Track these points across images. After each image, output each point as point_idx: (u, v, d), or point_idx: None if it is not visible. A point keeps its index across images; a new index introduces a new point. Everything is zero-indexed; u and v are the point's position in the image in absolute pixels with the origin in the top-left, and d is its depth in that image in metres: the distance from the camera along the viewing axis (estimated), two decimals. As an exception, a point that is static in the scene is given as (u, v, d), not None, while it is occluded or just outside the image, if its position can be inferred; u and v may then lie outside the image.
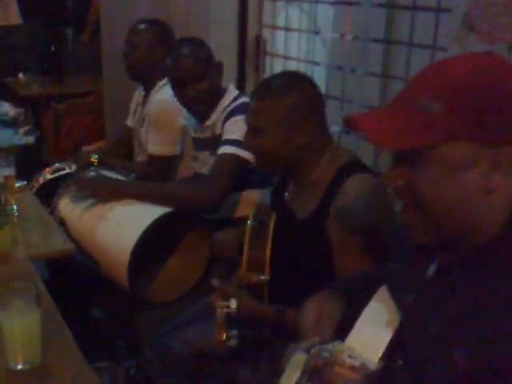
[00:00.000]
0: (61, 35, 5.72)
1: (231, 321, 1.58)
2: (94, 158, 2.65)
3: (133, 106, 2.87)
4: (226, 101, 2.25)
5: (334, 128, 2.45)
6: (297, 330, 1.26)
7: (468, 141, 0.92)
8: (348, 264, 1.59)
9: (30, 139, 4.11)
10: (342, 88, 2.45)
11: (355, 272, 1.51)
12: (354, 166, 1.66)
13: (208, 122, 2.28)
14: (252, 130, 1.68)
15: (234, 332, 1.57)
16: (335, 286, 1.38)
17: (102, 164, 2.62)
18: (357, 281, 1.41)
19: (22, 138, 4.10)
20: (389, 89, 2.26)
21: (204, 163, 2.36)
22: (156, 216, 1.99)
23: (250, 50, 2.91)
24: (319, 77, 2.52)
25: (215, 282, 1.69)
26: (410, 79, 1.03)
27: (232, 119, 2.16)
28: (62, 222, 2.22)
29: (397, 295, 1.15)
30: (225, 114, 2.21)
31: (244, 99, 2.21)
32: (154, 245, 2.06)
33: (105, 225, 2.11)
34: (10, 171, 2.20)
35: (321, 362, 1.05)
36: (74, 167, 2.62)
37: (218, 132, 2.24)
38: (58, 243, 1.98)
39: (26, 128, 4.17)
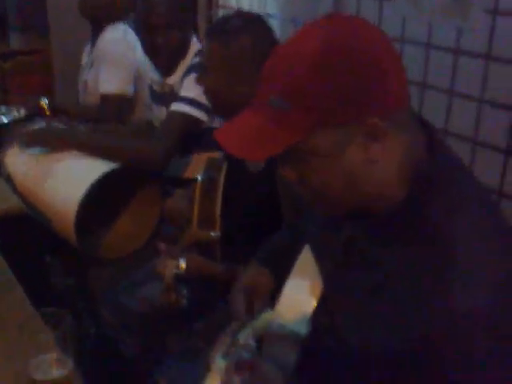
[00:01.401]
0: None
1: (180, 281, 1.57)
2: (44, 102, 2.57)
3: (84, 58, 2.78)
4: (188, 58, 2.17)
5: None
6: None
7: (331, 127, 0.88)
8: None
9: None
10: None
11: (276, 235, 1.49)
12: None
13: (170, 80, 2.21)
14: (203, 67, 1.68)
15: (184, 292, 1.58)
16: (260, 257, 1.36)
17: (52, 108, 2.55)
18: (281, 246, 1.40)
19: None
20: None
21: (160, 118, 2.30)
22: (102, 172, 1.93)
23: (202, 3, 2.88)
24: (273, 28, 2.50)
25: (161, 246, 1.69)
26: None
27: (190, 76, 2.06)
28: (8, 178, 2.16)
29: (317, 258, 1.15)
30: (185, 70, 2.14)
31: None
32: (103, 202, 2.02)
33: (51, 181, 2.04)
34: None
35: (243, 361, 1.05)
36: (22, 111, 2.57)
37: (177, 90, 2.15)
38: (3, 201, 1.93)
39: (-27, 88, 4.07)
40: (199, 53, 2.15)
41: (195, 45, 2.20)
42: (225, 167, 1.70)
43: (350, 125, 0.88)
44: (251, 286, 1.27)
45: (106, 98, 2.48)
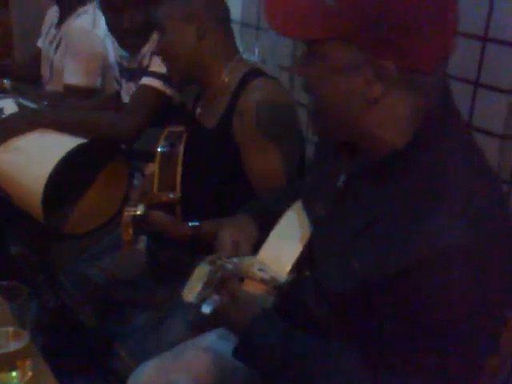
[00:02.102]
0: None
1: (138, 225, 1.58)
2: (6, 84, 2.52)
3: (46, 27, 2.72)
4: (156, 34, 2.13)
5: (251, 56, 2.46)
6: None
7: (354, 44, 0.92)
8: (258, 164, 1.61)
9: None
10: (258, 15, 2.42)
11: (269, 187, 1.54)
12: (259, 72, 1.70)
13: (138, 56, 2.18)
14: (159, 28, 1.72)
15: (143, 237, 1.61)
16: (248, 207, 1.39)
17: (14, 89, 2.50)
18: (271, 199, 1.43)
19: None
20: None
21: (128, 94, 2.27)
22: (71, 147, 1.94)
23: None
24: (235, 3, 2.47)
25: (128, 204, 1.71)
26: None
27: None
28: None
29: (309, 207, 1.18)
30: (153, 46, 2.09)
31: None
32: (70, 175, 2.01)
33: (18, 156, 2.04)
34: None
35: (228, 274, 1.05)
36: None
37: (145, 64, 2.14)
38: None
39: None
40: None
41: None
42: (184, 138, 1.73)
43: (366, 53, 0.91)
44: (238, 230, 1.27)
45: (70, 89, 2.47)
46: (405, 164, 0.96)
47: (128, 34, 2.11)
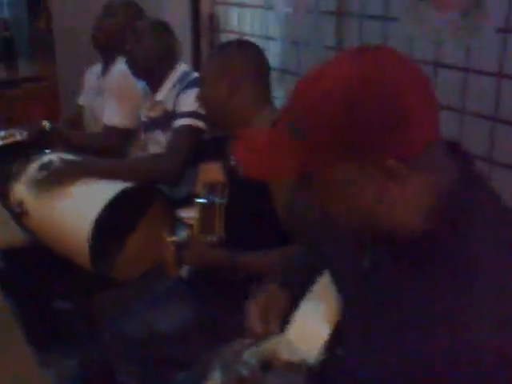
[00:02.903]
0: (17, 20, 5.60)
1: (181, 250, 1.62)
2: (46, 125, 2.57)
3: (87, 83, 2.81)
4: (175, 75, 2.29)
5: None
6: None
7: (348, 161, 0.87)
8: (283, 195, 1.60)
9: (-16, 126, 4.02)
10: (298, 62, 2.42)
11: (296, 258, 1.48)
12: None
13: (158, 97, 2.29)
14: (201, 80, 1.83)
15: (186, 267, 1.61)
16: (278, 277, 1.34)
17: (54, 132, 2.57)
18: (300, 270, 1.38)
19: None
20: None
21: (156, 143, 2.33)
22: (115, 191, 1.97)
23: (204, 27, 2.87)
24: (274, 52, 2.50)
25: (166, 234, 1.75)
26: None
27: (187, 92, 2.17)
28: (20, 205, 2.16)
29: (337, 285, 1.13)
30: (177, 89, 2.23)
31: (197, 74, 2.22)
32: (114, 221, 2.03)
33: (64, 203, 2.07)
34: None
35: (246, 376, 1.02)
36: (24, 134, 2.56)
37: (169, 108, 2.24)
38: (7, 235, 1.91)
39: (-19, 115, 4.07)
40: (187, 73, 2.31)
41: (183, 66, 2.34)
42: (221, 188, 1.77)
43: (367, 162, 0.87)
44: (267, 304, 1.23)
45: (109, 130, 2.53)
46: (430, 249, 0.90)
47: (146, 72, 2.28)
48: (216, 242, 1.69)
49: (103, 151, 2.49)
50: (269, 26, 2.59)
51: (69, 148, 2.63)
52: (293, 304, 1.22)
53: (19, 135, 2.57)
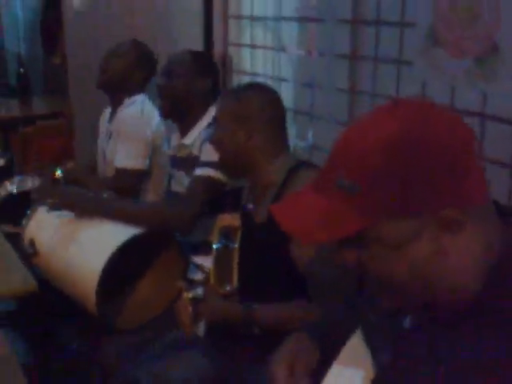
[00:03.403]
0: (32, 56, 5.66)
1: (197, 307, 1.57)
2: (58, 173, 2.57)
3: (100, 126, 2.83)
4: (205, 121, 2.26)
5: (302, 143, 2.43)
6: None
7: (402, 216, 0.85)
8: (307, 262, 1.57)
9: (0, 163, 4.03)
10: (310, 104, 2.41)
11: (326, 312, 1.44)
12: (306, 163, 1.75)
13: (186, 141, 2.27)
14: (215, 121, 1.82)
15: (202, 324, 1.57)
16: (305, 330, 1.29)
17: (66, 179, 2.56)
18: (329, 324, 1.33)
19: (-10, 162, 4.02)
20: (356, 104, 2.23)
21: (180, 183, 2.32)
22: (125, 238, 1.94)
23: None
24: (287, 93, 2.49)
25: (180, 283, 1.72)
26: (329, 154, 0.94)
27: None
28: (31, 244, 2.15)
29: (372, 346, 1.08)
30: (205, 134, 2.19)
31: None
32: (124, 266, 2.01)
33: (73, 246, 2.05)
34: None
35: None
36: (36, 181, 2.56)
37: (195, 153, 2.21)
38: (19, 282, 1.89)
39: (-5, 152, 4.09)
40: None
41: (212, 111, 2.26)
42: (238, 234, 1.74)
43: (421, 215, 0.85)
44: (293, 358, 1.17)
45: (121, 172, 2.52)
46: (483, 312, 0.86)
47: (178, 113, 2.27)
48: (231, 292, 1.65)
49: (117, 193, 2.46)
50: (281, 67, 2.58)
51: None
52: (321, 359, 1.17)
53: (31, 182, 2.57)
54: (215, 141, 1.80)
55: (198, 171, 2.11)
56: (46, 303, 2.25)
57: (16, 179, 2.62)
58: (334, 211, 0.88)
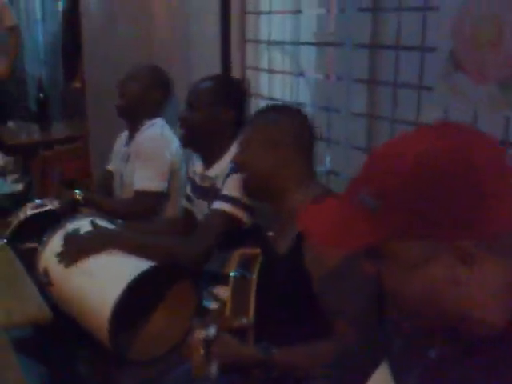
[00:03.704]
0: (53, 80, 5.72)
1: (209, 347, 1.50)
2: (78, 195, 2.59)
3: (116, 149, 2.83)
4: (231, 154, 2.14)
5: (320, 168, 2.39)
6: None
7: (417, 237, 0.84)
8: (331, 296, 1.52)
9: (18, 187, 4.06)
10: (328, 129, 2.37)
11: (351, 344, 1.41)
12: (331, 193, 1.68)
13: (210, 173, 2.22)
14: (241, 146, 1.77)
15: (215, 365, 1.48)
16: (327, 373, 1.27)
17: (86, 201, 2.57)
18: (351, 359, 1.30)
19: (10, 186, 4.04)
20: (375, 130, 2.19)
21: (200, 211, 2.28)
22: (139, 271, 1.91)
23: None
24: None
25: (192, 322, 1.68)
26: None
27: (234, 175, 2.06)
28: (45, 273, 2.14)
29: (397, 377, 1.04)
30: (229, 167, 2.13)
31: None
32: (137, 297, 1.96)
33: (87, 279, 2.03)
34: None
35: None
36: (56, 203, 2.57)
37: (218, 186, 2.16)
38: (34, 310, 1.87)
39: (15, 176, 4.11)
40: None
41: None
42: (257, 262, 1.70)
43: (436, 241, 0.84)
44: None
45: (140, 194, 2.52)
46: (509, 345, 0.82)
47: (202, 146, 2.21)
48: (246, 325, 1.59)
49: (135, 216, 2.51)
50: (299, 91, 2.55)
51: (101, 214, 2.65)
52: None
53: (51, 204, 2.59)
54: (242, 162, 1.75)
55: (217, 204, 2.07)
56: (61, 330, 2.22)
57: (35, 203, 2.64)
58: (351, 221, 0.90)
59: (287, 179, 1.68)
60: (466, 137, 0.89)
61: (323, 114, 2.41)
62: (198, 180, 2.31)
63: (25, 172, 4.29)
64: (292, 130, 1.71)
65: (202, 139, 2.22)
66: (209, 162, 2.24)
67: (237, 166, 1.81)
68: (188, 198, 2.38)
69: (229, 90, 2.28)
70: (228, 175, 2.11)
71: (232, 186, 2.05)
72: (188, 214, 2.39)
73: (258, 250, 1.77)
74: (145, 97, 2.60)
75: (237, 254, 1.85)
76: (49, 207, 2.59)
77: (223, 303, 1.78)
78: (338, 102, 2.29)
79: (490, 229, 0.82)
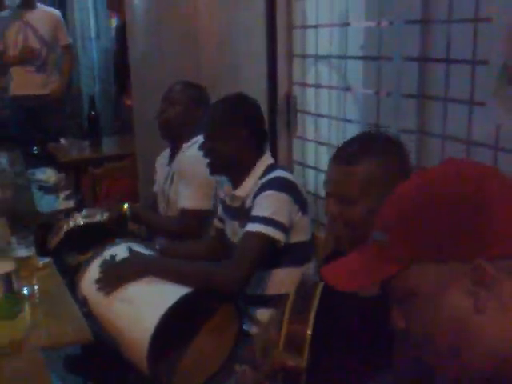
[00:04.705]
0: (106, 99, 5.81)
1: None
2: (127, 209, 2.60)
3: (158, 170, 2.84)
4: (258, 171, 2.14)
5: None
6: None
7: (432, 263, 0.82)
8: None
9: (70, 204, 4.10)
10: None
11: None
12: None
13: (239, 193, 2.17)
14: (339, 198, 1.49)
15: None
16: None
17: (133, 215, 2.59)
18: None
19: (62, 202, 4.09)
20: (424, 146, 2.10)
21: (234, 233, 2.24)
22: (177, 298, 1.88)
23: (281, 107, 2.80)
24: (352, 134, 2.37)
25: (237, 367, 1.59)
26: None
27: (263, 194, 2.02)
28: (84, 302, 2.14)
29: None
30: (257, 186, 2.09)
31: (278, 173, 2.10)
32: (176, 324, 1.93)
33: (126, 306, 2.00)
34: (28, 252, 2.12)
35: None
36: (105, 215, 2.59)
37: (247, 205, 2.12)
38: (75, 332, 1.86)
39: (66, 193, 4.16)
40: (271, 167, 2.15)
41: (267, 160, 2.20)
42: (320, 287, 1.52)
43: (452, 264, 0.81)
44: None
45: (185, 214, 2.52)
46: None
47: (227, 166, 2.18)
48: (301, 368, 1.40)
49: (180, 235, 2.52)
50: (346, 107, 2.49)
51: (148, 231, 2.72)
52: None
53: (100, 216, 2.61)
54: (356, 220, 1.49)
55: (250, 227, 2.00)
56: (105, 352, 2.22)
57: (85, 212, 2.67)
58: (365, 261, 0.90)
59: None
60: (476, 166, 0.90)
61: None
62: (227, 200, 2.27)
63: (76, 189, 4.35)
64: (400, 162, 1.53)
65: (228, 164, 2.19)
66: (236, 182, 2.20)
67: (340, 221, 1.54)
68: (220, 219, 2.36)
69: (240, 108, 2.20)
70: (257, 194, 2.05)
71: (263, 206, 2.00)
72: (220, 234, 2.35)
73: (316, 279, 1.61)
74: (186, 117, 2.59)
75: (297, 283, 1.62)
76: (97, 218, 2.60)
77: (278, 329, 1.54)
78: (387, 118, 2.23)
79: (503, 249, 0.79)
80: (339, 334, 1.50)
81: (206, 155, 2.21)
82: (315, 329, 1.45)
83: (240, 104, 2.22)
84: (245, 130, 2.14)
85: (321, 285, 1.53)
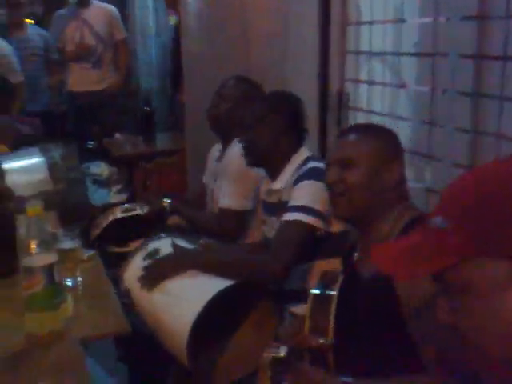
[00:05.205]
0: (163, 95, 5.86)
1: (279, 369, 1.41)
2: (166, 203, 2.61)
3: (209, 163, 2.84)
4: (295, 163, 2.16)
5: (419, 185, 2.26)
6: None
7: (489, 259, 0.77)
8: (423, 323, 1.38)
9: (122, 198, 4.15)
10: (429, 144, 2.24)
11: None
12: (421, 221, 1.51)
13: (276, 186, 2.19)
14: (340, 163, 1.62)
15: None
16: None
17: (173, 210, 2.60)
18: None
19: (114, 196, 4.14)
20: (479, 146, 2.02)
21: (273, 229, 2.21)
22: (217, 290, 1.87)
23: (332, 103, 2.75)
24: (404, 132, 2.33)
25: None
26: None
27: (300, 184, 2.04)
28: (127, 294, 2.14)
29: None
30: (293, 178, 2.10)
31: (314, 164, 2.09)
32: (218, 319, 1.93)
33: (166, 298, 2.01)
34: (73, 244, 2.14)
35: None
36: (145, 209, 2.60)
37: (284, 198, 2.12)
38: (114, 324, 1.84)
39: (118, 187, 4.21)
40: (307, 160, 2.15)
41: (303, 153, 2.20)
42: (340, 281, 1.61)
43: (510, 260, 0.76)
44: None
45: (224, 213, 2.50)
46: None
47: (264, 157, 2.20)
48: (325, 346, 1.48)
49: (217, 233, 2.50)
50: (399, 104, 2.43)
51: (188, 227, 2.69)
52: None
53: (140, 210, 2.62)
54: (355, 181, 1.60)
55: (287, 216, 2.00)
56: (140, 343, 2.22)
57: (124, 207, 2.70)
58: (420, 247, 0.86)
59: (382, 201, 1.57)
60: None
61: (423, 129, 2.29)
62: (266, 197, 2.28)
63: (128, 183, 4.39)
64: (389, 147, 1.65)
65: (264, 155, 2.22)
66: (273, 174, 2.22)
67: (336, 185, 1.64)
68: (263, 222, 2.34)
69: (280, 103, 2.24)
70: (294, 185, 2.07)
71: (300, 195, 2.00)
72: (266, 240, 2.32)
73: (338, 267, 1.69)
74: (235, 112, 2.57)
75: (317, 269, 1.76)
76: (137, 212, 2.62)
77: (300, 321, 1.67)
78: (440, 116, 2.16)
79: None
80: (354, 314, 1.55)
81: (244, 147, 2.23)
82: (337, 313, 1.52)
83: (281, 99, 2.26)
84: (284, 123, 2.18)
85: (340, 279, 1.59)
